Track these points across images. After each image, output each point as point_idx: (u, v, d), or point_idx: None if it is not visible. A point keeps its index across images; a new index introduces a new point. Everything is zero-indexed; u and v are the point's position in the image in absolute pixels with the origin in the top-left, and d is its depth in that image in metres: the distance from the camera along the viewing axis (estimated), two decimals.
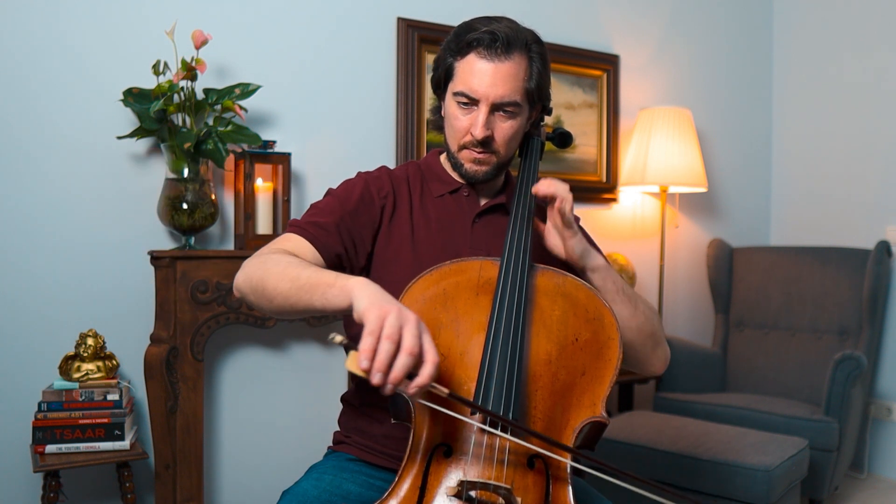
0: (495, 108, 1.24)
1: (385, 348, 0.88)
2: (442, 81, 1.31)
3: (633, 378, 2.92)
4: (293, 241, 1.23)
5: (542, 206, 1.31)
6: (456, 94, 1.26)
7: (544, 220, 1.32)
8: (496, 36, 1.21)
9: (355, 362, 0.89)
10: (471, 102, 1.25)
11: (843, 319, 3.02)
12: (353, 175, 1.39)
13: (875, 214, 3.29)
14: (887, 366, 3.20)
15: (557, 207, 1.21)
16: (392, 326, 0.90)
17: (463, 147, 1.29)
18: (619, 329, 1.18)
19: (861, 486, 3.09)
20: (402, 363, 0.88)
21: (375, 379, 0.88)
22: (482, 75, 1.23)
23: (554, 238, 1.27)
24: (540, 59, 1.27)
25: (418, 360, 0.91)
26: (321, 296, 1.03)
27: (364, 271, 1.32)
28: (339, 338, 0.91)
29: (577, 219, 1.32)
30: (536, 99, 1.29)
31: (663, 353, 1.36)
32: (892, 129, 3.25)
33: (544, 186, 1.20)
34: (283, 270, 1.10)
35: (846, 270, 3.05)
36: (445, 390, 0.94)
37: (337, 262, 1.27)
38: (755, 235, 3.66)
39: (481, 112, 1.24)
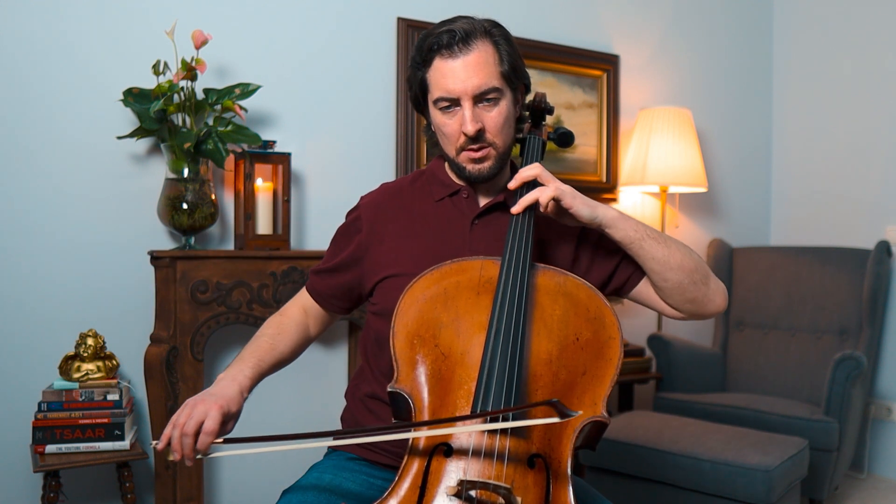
0: (477, 99, 1.25)
1: (168, 432, 1.15)
2: (420, 98, 1.32)
3: (633, 378, 2.92)
4: (304, 296, 1.46)
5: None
6: (436, 101, 1.27)
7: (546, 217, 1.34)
8: (453, 32, 1.23)
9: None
10: (452, 104, 1.25)
11: (843, 319, 3.02)
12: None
13: (875, 214, 3.29)
14: (887, 366, 3.20)
15: (542, 206, 1.21)
16: (179, 414, 1.15)
17: (460, 150, 1.29)
18: (620, 328, 1.18)
19: (861, 486, 3.09)
20: (177, 440, 1.13)
21: (171, 455, 1.15)
22: (453, 73, 1.23)
23: (562, 217, 1.28)
24: (504, 40, 1.27)
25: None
26: None
27: (371, 288, 1.37)
28: (155, 443, 1.17)
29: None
30: (514, 80, 1.29)
31: (717, 286, 1.32)
32: (892, 129, 3.25)
33: (519, 207, 1.21)
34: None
35: (846, 270, 3.05)
36: (222, 444, 1.18)
37: (341, 298, 1.43)
38: (755, 235, 3.66)
39: (465, 108, 1.24)
